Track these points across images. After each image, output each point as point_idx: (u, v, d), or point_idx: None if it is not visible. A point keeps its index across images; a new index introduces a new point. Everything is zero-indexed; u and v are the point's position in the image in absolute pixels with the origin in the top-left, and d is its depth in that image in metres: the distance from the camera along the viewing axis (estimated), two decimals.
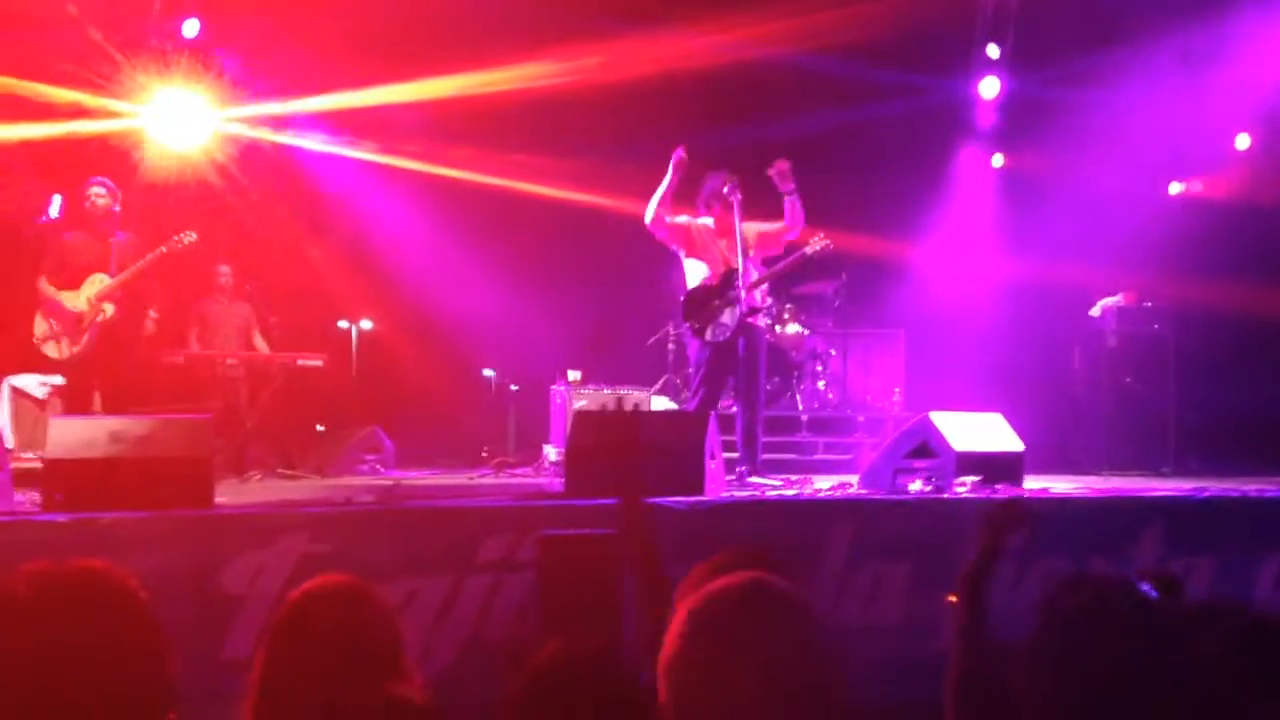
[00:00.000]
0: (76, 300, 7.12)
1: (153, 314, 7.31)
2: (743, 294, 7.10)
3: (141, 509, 4.79)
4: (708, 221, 7.34)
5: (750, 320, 7.18)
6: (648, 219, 7.22)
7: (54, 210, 7.02)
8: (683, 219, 7.34)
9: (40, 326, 7.14)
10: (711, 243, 7.32)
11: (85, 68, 8.60)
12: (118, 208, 7.25)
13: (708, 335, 7.20)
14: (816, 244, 7.38)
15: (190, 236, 7.28)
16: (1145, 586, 1.85)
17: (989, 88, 11.08)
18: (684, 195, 7.36)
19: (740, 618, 1.66)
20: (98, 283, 7.13)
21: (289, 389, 8.69)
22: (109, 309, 7.12)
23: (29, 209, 7.62)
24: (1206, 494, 6.42)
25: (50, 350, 7.13)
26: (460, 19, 10.78)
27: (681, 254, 7.40)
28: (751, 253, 7.23)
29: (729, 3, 10.76)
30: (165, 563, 4.47)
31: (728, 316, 7.17)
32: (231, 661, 4.45)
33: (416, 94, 10.64)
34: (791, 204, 7.20)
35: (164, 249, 7.22)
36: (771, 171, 7.14)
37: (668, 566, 5.16)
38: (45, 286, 7.15)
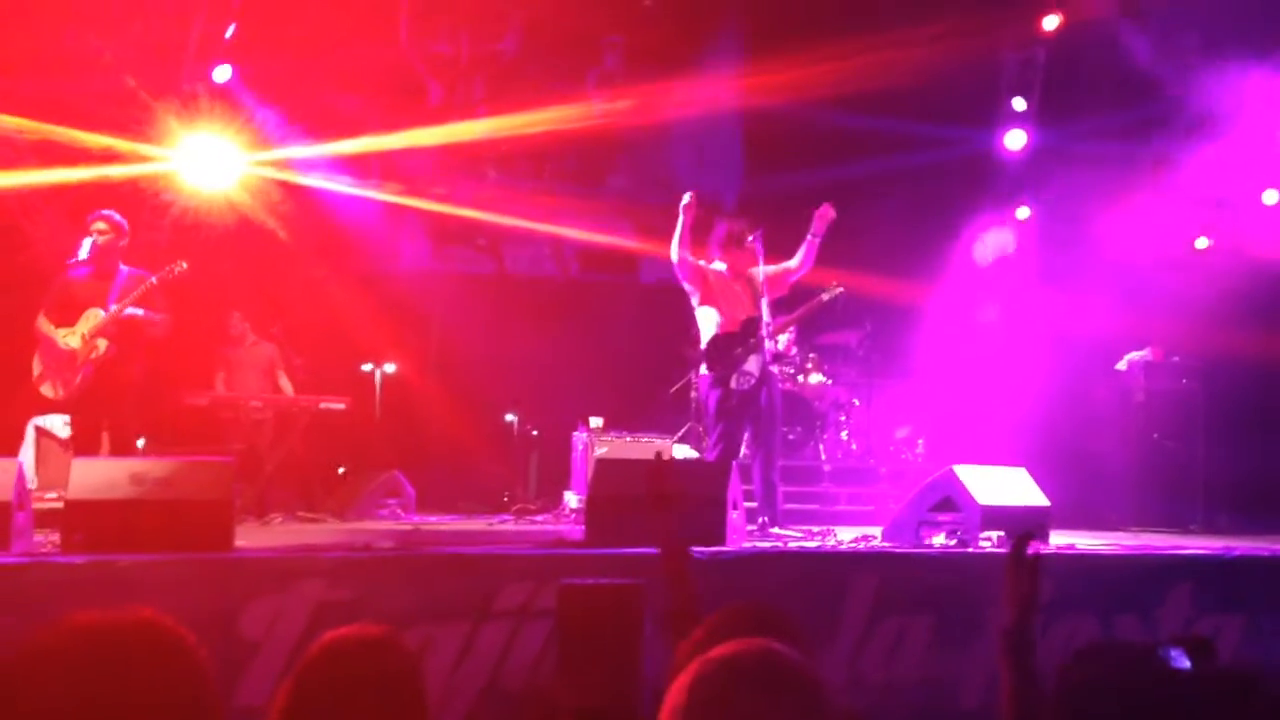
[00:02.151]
0: (71, 337, 6.88)
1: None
2: (766, 342, 7.08)
3: (161, 551, 4.78)
4: (720, 267, 7.36)
5: (769, 368, 7.17)
6: (673, 259, 7.26)
7: (84, 253, 6.97)
8: (700, 264, 7.36)
9: (37, 366, 6.93)
10: (726, 288, 7.32)
11: (119, 112, 8.72)
12: (124, 242, 7.06)
13: (733, 383, 7.17)
14: (832, 291, 7.39)
15: (181, 266, 7.08)
16: (1176, 653, 1.79)
17: (1015, 140, 11.09)
18: (699, 240, 7.38)
19: (747, 690, 1.59)
20: (92, 318, 6.89)
21: (312, 432, 8.70)
22: (102, 345, 6.85)
23: (60, 252, 7.64)
24: (1236, 553, 6.32)
25: (46, 390, 6.91)
26: (487, 62, 10.92)
27: (695, 299, 7.38)
28: (763, 298, 7.23)
29: (758, 53, 10.86)
30: (182, 606, 4.42)
31: (752, 364, 7.14)
32: (245, 708, 4.42)
33: (443, 137, 10.75)
34: (812, 246, 7.25)
35: (154, 280, 6.99)
36: (818, 212, 7.18)
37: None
38: (43, 324, 6.93)
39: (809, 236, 7.23)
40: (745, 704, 1.57)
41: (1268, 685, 1.79)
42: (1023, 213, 11.27)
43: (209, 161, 9.15)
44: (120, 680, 1.63)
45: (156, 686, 1.66)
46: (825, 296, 7.42)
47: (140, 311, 6.94)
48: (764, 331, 7.09)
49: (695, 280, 7.31)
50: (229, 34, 9.24)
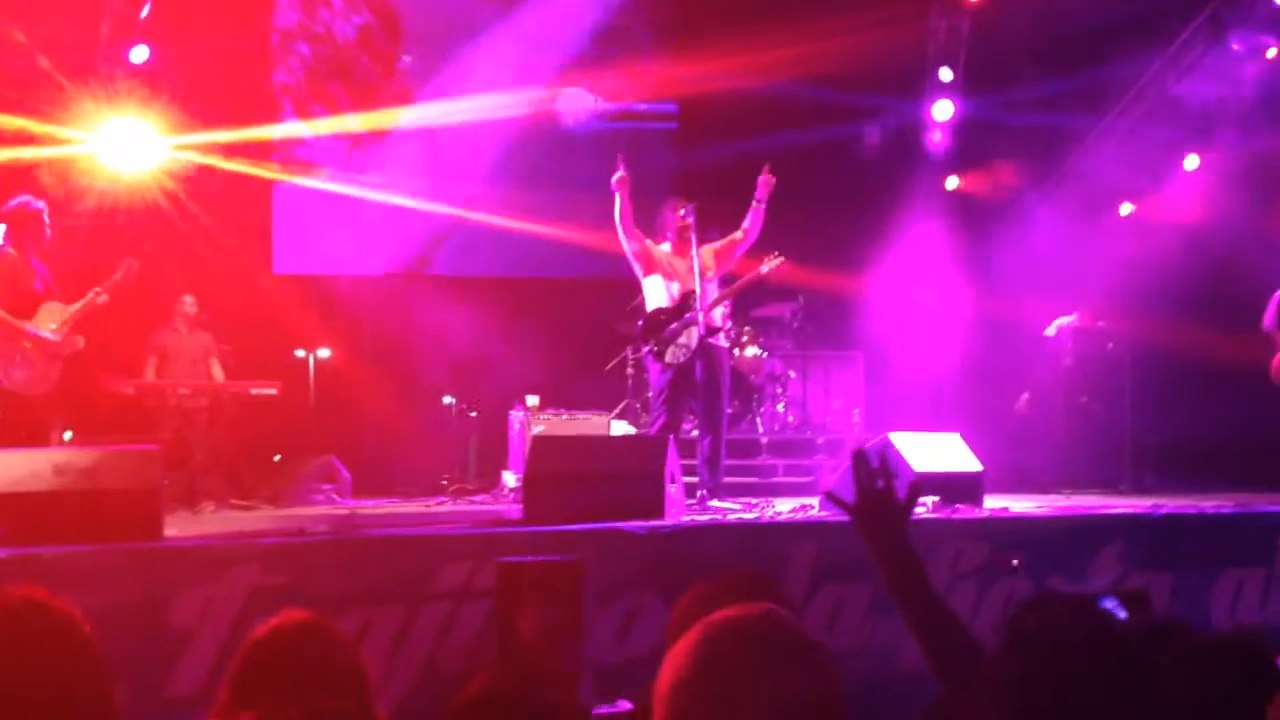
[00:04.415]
0: (46, 328, 6.73)
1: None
2: (700, 315, 7.11)
3: (88, 543, 4.67)
4: (665, 247, 7.41)
5: (710, 341, 7.20)
6: (620, 234, 7.30)
7: None
8: (646, 242, 7.38)
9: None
10: (669, 265, 7.36)
11: (32, 95, 8.48)
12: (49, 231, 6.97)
13: (667, 358, 7.22)
14: (771, 262, 7.44)
15: (133, 266, 7.10)
16: (1113, 604, 1.83)
17: (942, 111, 11.17)
18: (644, 222, 7.42)
19: (756, 651, 1.62)
20: (57, 311, 6.78)
21: (243, 418, 8.55)
22: (80, 341, 6.86)
23: None
24: (1163, 511, 6.46)
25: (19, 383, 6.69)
26: (417, 48, 10.80)
27: (640, 274, 7.42)
28: (711, 274, 7.28)
29: (688, 33, 10.85)
30: (111, 597, 4.36)
31: (686, 338, 7.18)
32: (179, 698, 4.35)
33: (370, 124, 10.62)
34: (757, 212, 7.34)
35: (119, 276, 6.98)
36: (760, 179, 7.27)
37: (628, 590, 5.13)
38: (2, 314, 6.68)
39: (754, 203, 7.32)
40: (753, 666, 1.60)
41: (1196, 633, 1.83)
42: (952, 182, 11.37)
43: (129, 145, 8.92)
44: (6, 657, 1.64)
45: (45, 664, 1.67)
46: (764, 268, 7.46)
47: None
48: (698, 305, 7.12)
49: (640, 256, 7.37)
50: (144, 14, 9.01)
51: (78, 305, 6.86)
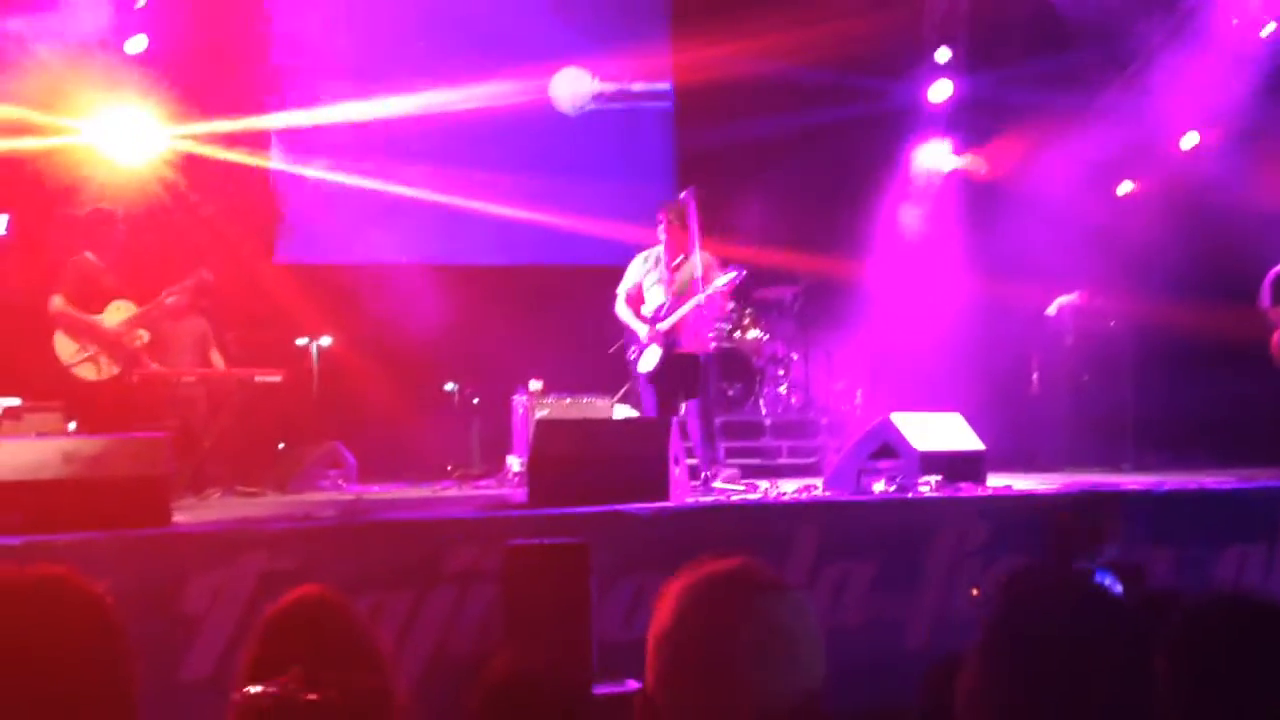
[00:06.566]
0: (110, 322, 7.31)
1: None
2: (661, 324, 7.36)
3: (97, 530, 4.71)
4: (659, 247, 7.55)
5: (677, 351, 7.35)
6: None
7: (1, 228, 6.88)
8: (633, 280, 7.63)
9: (68, 347, 7.16)
10: (660, 272, 7.53)
11: (31, 84, 8.48)
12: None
13: (639, 368, 7.41)
14: (725, 277, 7.44)
15: (205, 277, 7.80)
16: (1109, 577, 1.83)
17: (941, 91, 11.15)
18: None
19: (732, 594, 1.70)
20: (124, 309, 7.36)
21: (248, 405, 8.56)
22: (145, 335, 7.45)
23: None
24: (1165, 488, 6.49)
25: (87, 372, 7.21)
26: (419, 35, 10.77)
27: None
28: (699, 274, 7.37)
29: (685, 14, 10.84)
30: (122, 584, 4.37)
31: (652, 347, 7.44)
32: (191, 682, 4.39)
33: (372, 112, 10.60)
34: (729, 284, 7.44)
35: (190, 283, 7.71)
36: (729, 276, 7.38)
37: (634, 571, 5.16)
38: (67, 307, 7.15)
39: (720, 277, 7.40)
40: (729, 607, 1.67)
41: (1188, 602, 1.84)
42: (951, 162, 11.36)
43: (129, 134, 8.92)
44: (29, 633, 1.66)
45: (65, 640, 1.69)
46: (719, 283, 7.42)
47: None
48: (661, 314, 7.33)
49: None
50: (142, 3, 9.00)
51: (148, 306, 7.45)
